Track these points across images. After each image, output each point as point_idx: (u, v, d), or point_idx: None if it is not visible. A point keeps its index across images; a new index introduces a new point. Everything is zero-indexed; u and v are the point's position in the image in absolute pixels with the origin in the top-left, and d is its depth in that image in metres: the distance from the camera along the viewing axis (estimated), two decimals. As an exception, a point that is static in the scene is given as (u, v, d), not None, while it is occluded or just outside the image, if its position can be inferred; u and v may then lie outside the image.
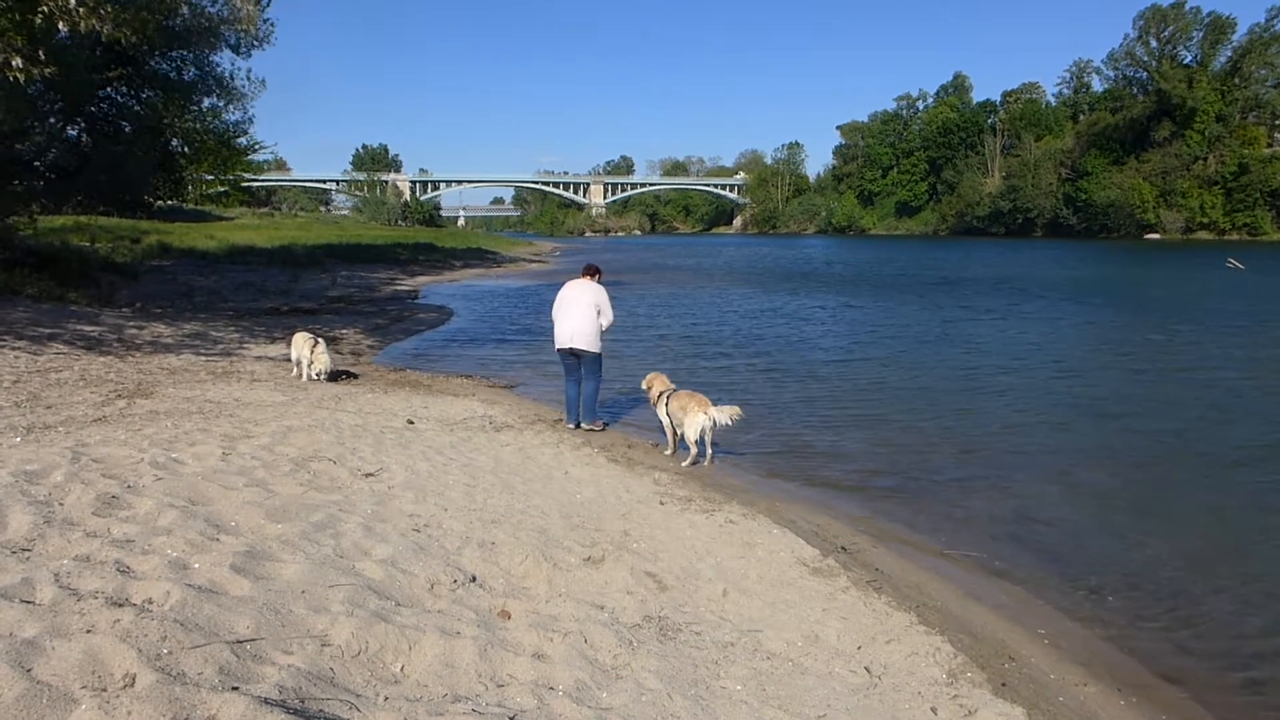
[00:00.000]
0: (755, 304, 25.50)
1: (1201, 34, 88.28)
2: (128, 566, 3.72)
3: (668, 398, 8.33)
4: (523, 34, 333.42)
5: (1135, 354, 14.98)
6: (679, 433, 8.23)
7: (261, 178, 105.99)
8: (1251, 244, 71.24)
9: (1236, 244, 69.80)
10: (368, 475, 6.03)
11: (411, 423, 8.44)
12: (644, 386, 8.89)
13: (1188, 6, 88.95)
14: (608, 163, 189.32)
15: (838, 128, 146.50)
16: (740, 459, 8.40)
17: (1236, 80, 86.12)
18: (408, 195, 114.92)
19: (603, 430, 9.26)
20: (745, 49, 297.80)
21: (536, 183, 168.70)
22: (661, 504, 6.37)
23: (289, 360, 11.35)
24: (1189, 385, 12.30)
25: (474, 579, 4.31)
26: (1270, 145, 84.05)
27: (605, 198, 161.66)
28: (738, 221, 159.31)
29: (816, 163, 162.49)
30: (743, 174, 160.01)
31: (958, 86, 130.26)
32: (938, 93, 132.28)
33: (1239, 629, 5.12)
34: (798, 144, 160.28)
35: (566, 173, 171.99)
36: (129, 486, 4.97)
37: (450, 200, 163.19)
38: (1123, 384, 12.52)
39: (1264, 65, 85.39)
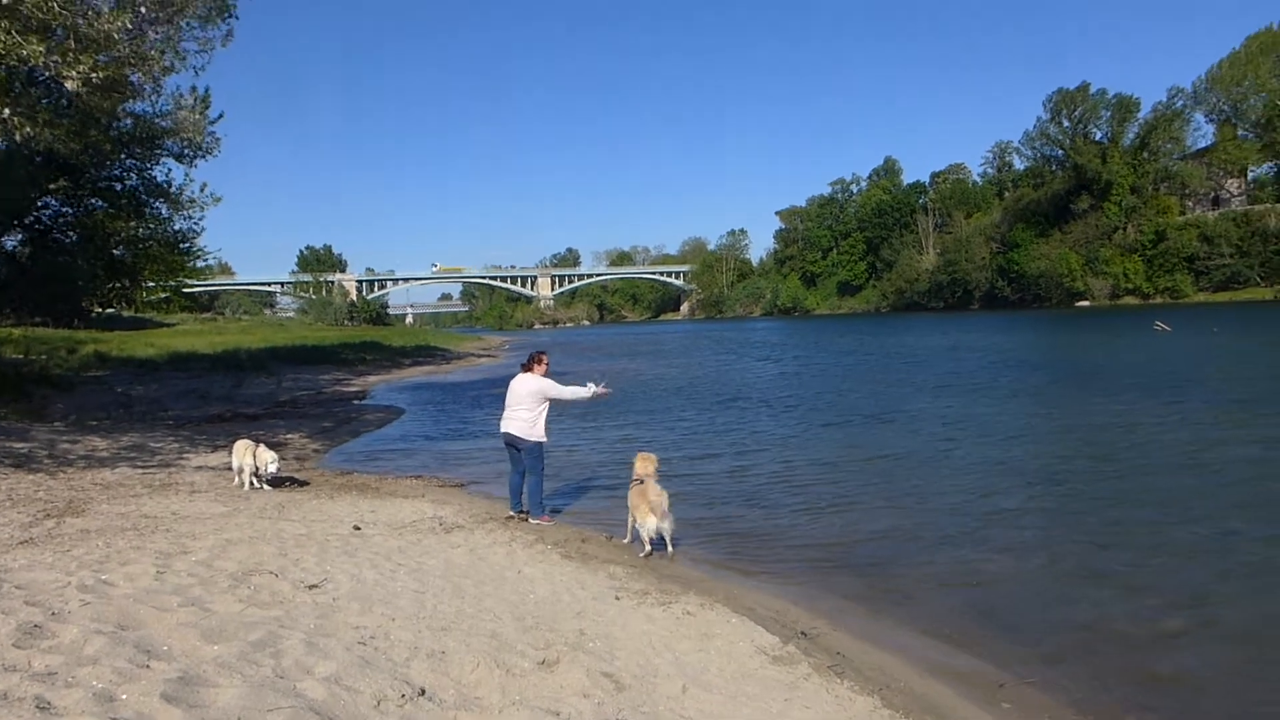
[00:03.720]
0: (714, 392, 25.71)
1: (1109, 113, 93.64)
2: (48, 702, 3.49)
3: (631, 486, 8.25)
4: (465, 133, 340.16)
5: (1082, 424, 15.15)
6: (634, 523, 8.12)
7: (204, 283, 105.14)
8: (1175, 306, 74.30)
9: (1161, 307, 72.74)
10: (311, 587, 5.81)
11: (358, 528, 8.20)
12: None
13: (1093, 90, 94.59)
14: (554, 255, 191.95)
15: (777, 213, 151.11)
16: (696, 547, 8.30)
17: (1145, 154, 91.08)
18: (354, 294, 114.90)
19: (552, 525, 9.11)
20: (685, 139, 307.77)
21: (484, 278, 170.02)
22: (617, 599, 6.24)
23: (231, 469, 11.04)
24: (1136, 451, 12.38)
25: (423, 692, 4.13)
26: (1183, 213, 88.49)
27: (553, 289, 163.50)
28: (685, 307, 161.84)
29: (759, 247, 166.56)
30: (689, 264, 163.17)
31: (888, 170, 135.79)
32: (870, 176, 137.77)
33: (1199, 685, 5.16)
34: (741, 230, 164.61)
35: (513, 266, 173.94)
36: (53, 613, 4.71)
37: (398, 298, 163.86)
38: (1071, 453, 12.62)
39: (1169, 140, 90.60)
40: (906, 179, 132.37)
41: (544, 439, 9.22)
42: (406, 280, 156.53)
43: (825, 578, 7.42)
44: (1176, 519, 8.59)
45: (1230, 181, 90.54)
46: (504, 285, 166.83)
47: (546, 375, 9.38)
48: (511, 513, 9.33)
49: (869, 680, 5.12)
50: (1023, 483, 10.66)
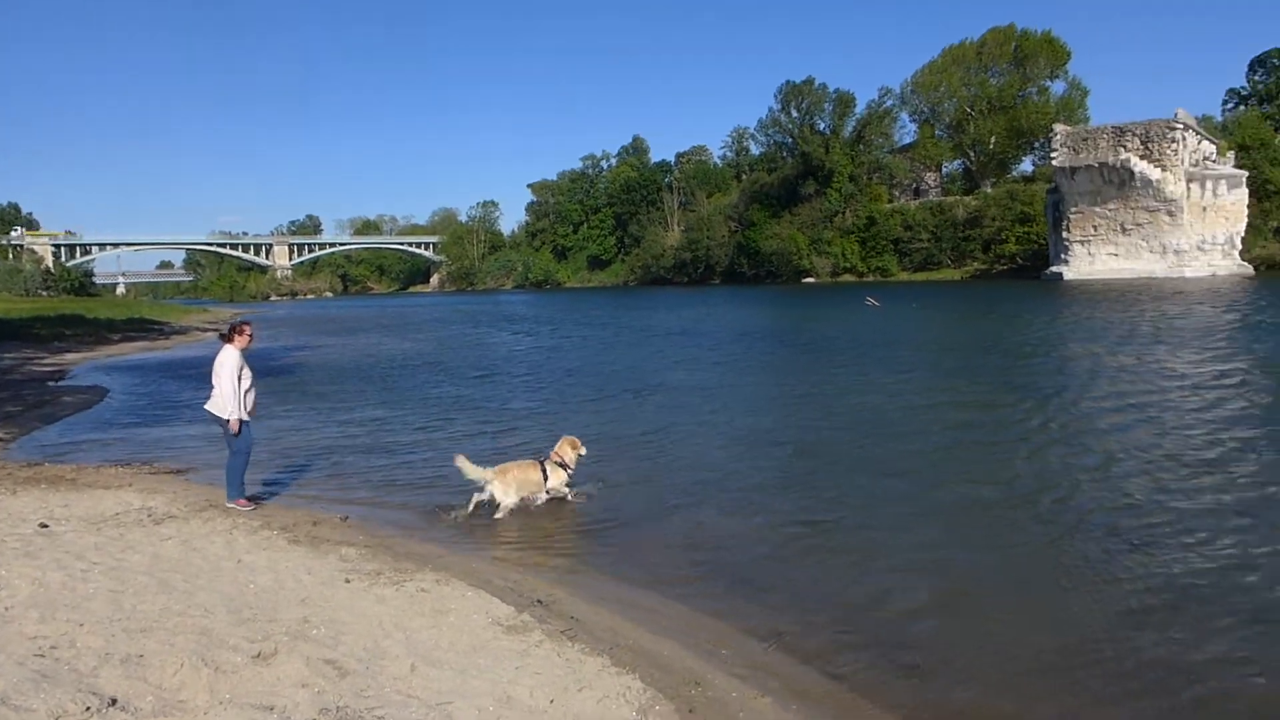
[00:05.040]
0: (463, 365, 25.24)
1: (831, 106, 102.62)
2: None
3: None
4: (189, 85, 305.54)
5: (821, 394, 16.19)
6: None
7: None
8: (884, 283, 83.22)
9: (873, 284, 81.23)
10: (-22, 596, 5.07)
11: (45, 526, 7.26)
12: None
13: (817, 84, 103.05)
14: (292, 223, 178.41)
15: (529, 186, 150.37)
16: (440, 526, 8.17)
17: (861, 146, 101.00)
18: (49, 261, 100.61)
19: (250, 510, 8.41)
20: (435, 108, 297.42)
21: (211, 244, 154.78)
22: (348, 581, 6.00)
23: (-125, 466, 9.33)
24: (853, 414, 13.53)
25: (114, 702, 3.75)
26: (891, 201, 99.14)
27: (291, 259, 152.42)
28: (435, 279, 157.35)
29: (511, 219, 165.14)
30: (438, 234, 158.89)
31: (637, 148, 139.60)
32: (619, 153, 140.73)
33: (900, 625, 5.75)
34: (493, 202, 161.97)
35: (246, 233, 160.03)
36: None
37: (107, 265, 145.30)
38: (813, 422, 13.27)
39: (880, 135, 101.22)
40: (654, 158, 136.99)
41: (243, 416, 8.46)
42: (116, 245, 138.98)
43: (568, 547, 7.60)
44: (914, 484, 9.31)
45: (928, 175, 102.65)
46: (235, 254, 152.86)
47: (248, 349, 8.70)
48: (228, 502, 8.60)
49: (600, 641, 5.31)
50: (769, 453, 11.24)
